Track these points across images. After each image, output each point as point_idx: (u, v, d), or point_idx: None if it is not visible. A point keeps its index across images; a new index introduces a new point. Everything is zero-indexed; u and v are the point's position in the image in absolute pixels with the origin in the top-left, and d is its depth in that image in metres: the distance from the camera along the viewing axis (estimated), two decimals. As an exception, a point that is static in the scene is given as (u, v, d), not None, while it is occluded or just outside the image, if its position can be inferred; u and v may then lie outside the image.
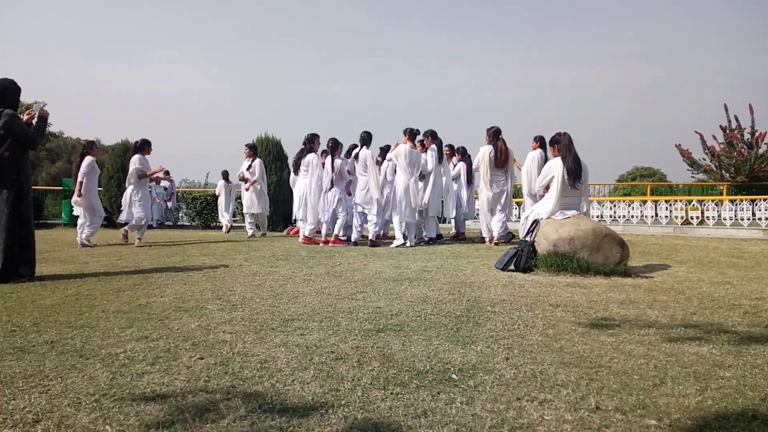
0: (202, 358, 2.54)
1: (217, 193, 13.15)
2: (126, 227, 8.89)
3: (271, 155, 12.94)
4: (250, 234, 10.43)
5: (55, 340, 2.85)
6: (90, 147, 8.91)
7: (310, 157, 8.69)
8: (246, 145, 10.69)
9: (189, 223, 15.03)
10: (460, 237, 9.64)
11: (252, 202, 10.44)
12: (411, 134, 8.16)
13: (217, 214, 12.95)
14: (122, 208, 9.00)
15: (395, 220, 8.23)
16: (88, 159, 8.67)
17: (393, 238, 8.52)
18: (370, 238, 8.21)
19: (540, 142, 8.64)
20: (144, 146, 8.88)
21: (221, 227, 12.91)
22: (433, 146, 8.59)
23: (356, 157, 8.47)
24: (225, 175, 13.10)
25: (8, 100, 4.87)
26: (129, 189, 8.74)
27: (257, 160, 10.59)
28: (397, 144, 8.18)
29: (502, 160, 8.26)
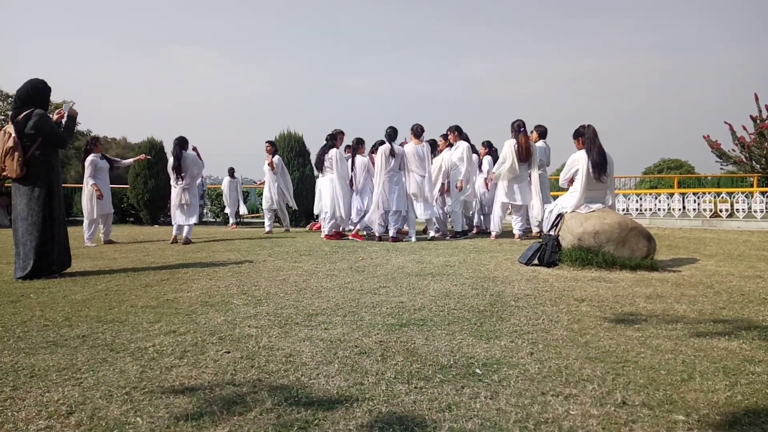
0: (229, 352, 2.58)
1: (223, 189, 13.38)
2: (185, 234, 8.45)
3: (293, 151, 13.04)
4: (267, 230, 10.53)
5: (87, 334, 2.93)
6: (93, 144, 8.55)
7: (333, 152, 8.70)
8: (266, 142, 10.82)
9: (213, 219, 15.24)
10: (481, 231, 9.59)
11: (272, 198, 10.56)
12: (416, 132, 8.18)
13: (238, 210, 13.13)
14: (174, 210, 8.49)
15: (410, 217, 8.25)
16: (89, 158, 8.29)
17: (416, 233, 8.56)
18: (390, 234, 8.22)
19: (540, 132, 8.68)
20: (186, 142, 8.53)
21: (228, 223, 13.10)
22: (462, 142, 8.54)
23: (392, 153, 8.27)
24: (231, 172, 13.36)
25: (38, 100, 4.99)
26: (179, 188, 8.38)
27: (276, 156, 10.74)
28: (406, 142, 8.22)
29: (523, 153, 8.17)
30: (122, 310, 3.50)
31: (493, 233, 8.40)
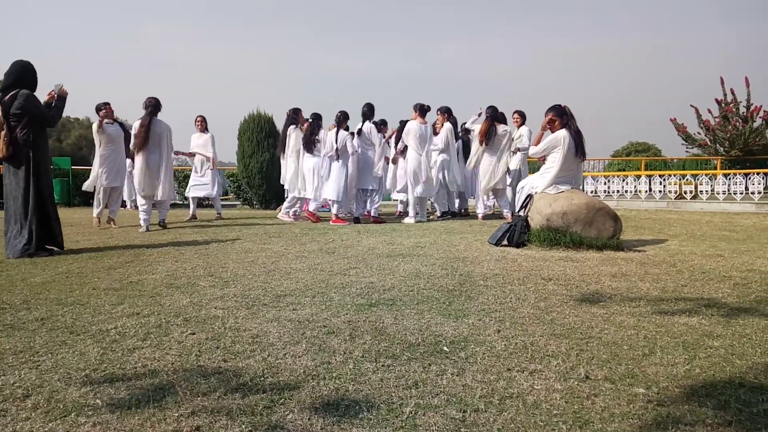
0: (194, 334, 2.54)
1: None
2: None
3: (263, 132, 12.80)
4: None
5: (46, 317, 2.84)
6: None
7: (291, 129, 8.51)
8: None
9: (181, 202, 14.96)
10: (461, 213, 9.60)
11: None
12: (421, 110, 8.02)
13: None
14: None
15: (409, 197, 8.14)
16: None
17: (392, 215, 8.56)
18: (372, 214, 8.17)
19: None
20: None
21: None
22: (448, 124, 8.46)
23: (359, 132, 8.13)
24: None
25: (26, 81, 5.03)
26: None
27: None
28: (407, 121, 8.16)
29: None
30: (84, 293, 3.41)
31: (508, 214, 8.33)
